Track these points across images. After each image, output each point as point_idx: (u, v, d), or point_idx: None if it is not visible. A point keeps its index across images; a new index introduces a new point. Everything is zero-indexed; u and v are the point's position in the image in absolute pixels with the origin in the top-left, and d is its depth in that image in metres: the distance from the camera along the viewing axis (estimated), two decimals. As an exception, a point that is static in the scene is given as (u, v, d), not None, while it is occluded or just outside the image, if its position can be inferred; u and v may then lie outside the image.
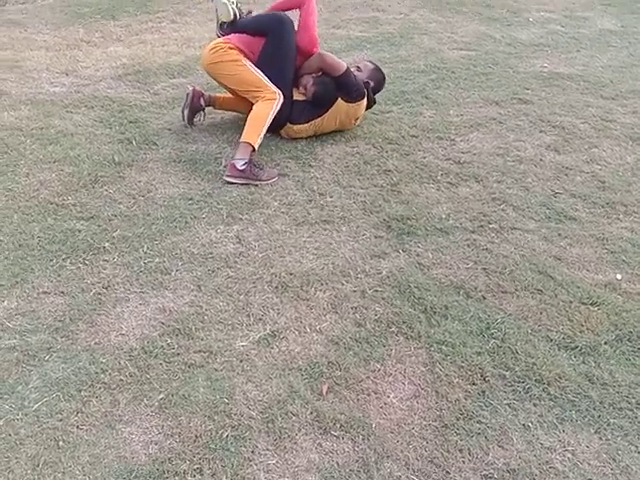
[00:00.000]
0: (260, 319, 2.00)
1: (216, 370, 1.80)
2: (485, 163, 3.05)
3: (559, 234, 2.50)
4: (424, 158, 3.09)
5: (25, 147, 3.07)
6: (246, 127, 2.85)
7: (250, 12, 3.23)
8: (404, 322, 1.99)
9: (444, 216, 2.61)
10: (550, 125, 3.45)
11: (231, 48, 2.96)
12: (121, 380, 1.76)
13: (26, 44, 4.61)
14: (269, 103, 2.88)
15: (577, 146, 3.23)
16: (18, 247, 2.33)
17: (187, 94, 3.23)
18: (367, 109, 3.30)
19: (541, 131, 3.38)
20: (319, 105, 3.11)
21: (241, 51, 2.97)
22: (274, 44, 2.96)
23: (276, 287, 2.15)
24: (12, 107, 3.52)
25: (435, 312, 2.03)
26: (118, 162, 2.94)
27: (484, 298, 2.12)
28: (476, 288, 2.16)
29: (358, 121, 3.29)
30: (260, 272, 2.22)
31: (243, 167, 2.75)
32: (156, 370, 1.80)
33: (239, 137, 2.91)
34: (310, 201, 2.71)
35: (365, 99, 3.17)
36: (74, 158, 2.97)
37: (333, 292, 2.13)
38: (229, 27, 3.09)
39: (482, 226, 2.54)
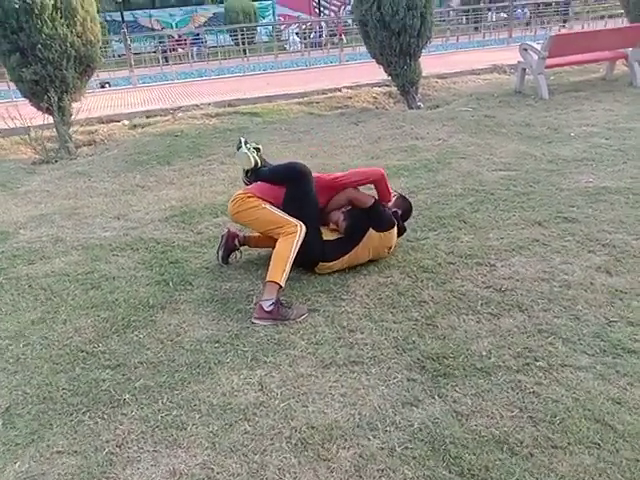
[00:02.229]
0: (275, 485, 1.81)
1: None
2: (529, 290, 2.85)
3: (617, 371, 2.21)
4: (462, 287, 2.93)
5: (68, 293, 3.18)
6: (271, 266, 2.84)
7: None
8: (437, 488, 1.74)
9: (485, 353, 2.39)
10: (599, 244, 3.24)
11: (249, 197, 3.08)
12: None
13: (87, 192, 5.01)
14: (291, 237, 2.90)
15: (631, 266, 2.98)
16: (42, 400, 2.30)
17: (222, 235, 3.32)
18: (398, 237, 3.26)
19: (590, 251, 3.18)
20: (351, 238, 3.10)
21: (260, 198, 3.07)
22: (293, 192, 3.05)
23: (295, 444, 1.97)
24: (64, 253, 3.72)
25: (473, 475, 1.77)
26: (152, 305, 2.98)
27: (531, 455, 1.84)
28: (522, 442, 1.89)
29: (391, 250, 3.23)
30: (280, 426, 2.06)
31: (270, 308, 2.69)
32: None
33: (267, 275, 2.90)
34: (339, 339, 2.58)
35: (395, 227, 3.15)
36: (111, 302, 3.04)
37: (358, 450, 1.93)
38: (253, 174, 3.22)
39: (528, 364, 2.30)
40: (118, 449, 2.02)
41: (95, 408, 2.23)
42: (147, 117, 7.85)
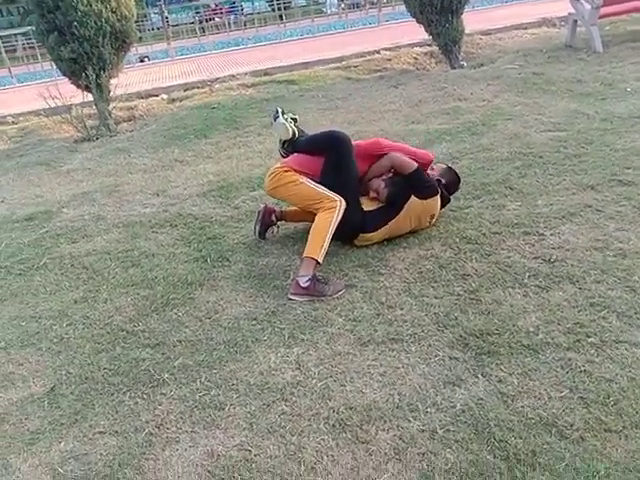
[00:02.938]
0: (312, 468, 1.78)
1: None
2: (581, 260, 2.68)
3: (679, 348, 2.05)
4: (508, 258, 2.79)
5: (109, 271, 3.22)
6: (309, 241, 2.77)
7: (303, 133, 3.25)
8: (481, 474, 1.66)
9: (532, 329, 2.26)
10: (659, 209, 3.01)
11: (287, 171, 2.98)
12: None
13: (127, 169, 5.05)
14: (330, 212, 2.81)
15: (695, 232, 2.75)
16: (84, 380, 2.34)
17: (259, 211, 3.27)
18: (442, 207, 3.11)
19: (648, 216, 2.95)
20: (392, 206, 2.98)
21: (298, 171, 2.98)
22: (332, 161, 2.94)
23: (333, 426, 1.93)
24: (106, 231, 3.77)
25: (519, 460, 1.69)
26: (190, 282, 2.97)
27: (582, 439, 1.73)
28: (572, 425, 1.78)
29: (434, 219, 3.10)
30: (317, 406, 2.02)
31: (307, 284, 2.64)
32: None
33: (305, 250, 2.84)
34: (378, 315, 2.50)
35: (439, 195, 3.01)
36: (151, 280, 3.05)
37: (397, 432, 1.87)
38: (290, 145, 3.13)
39: (579, 340, 2.16)
40: (157, 429, 2.03)
41: (135, 388, 2.26)
42: (185, 90, 7.83)
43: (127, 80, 7.72)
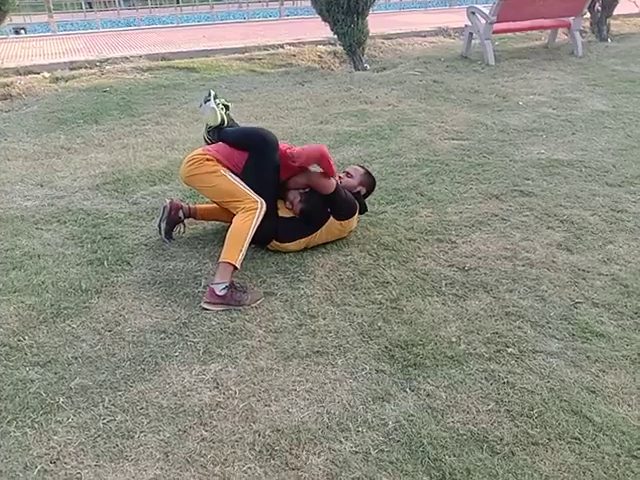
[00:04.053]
0: (240, 501, 1.62)
1: None
2: (492, 269, 2.76)
3: (588, 357, 2.16)
4: (424, 265, 2.80)
5: (-15, 274, 2.78)
6: (225, 244, 2.58)
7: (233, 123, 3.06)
8: (418, 497, 1.61)
9: (454, 339, 2.27)
10: (558, 220, 3.19)
11: (208, 159, 2.75)
12: None
13: (4, 154, 4.44)
14: (250, 214, 2.63)
15: (590, 243, 2.95)
16: (-44, 408, 1.97)
17: (164, 207, 3.00)
18: (360, 214, 3.06)
19: (549, 227, 3.12)
20: (309, 223, 2.86)
21: (220, 162, 2.76)
22: (256, 160, 2.76)
23: (260, 452, 1.78)
24: (-22, 226, 3.27)
25: (455, 479, 1.65)
26: (85, 289, 2.64)
27: (512, 454, 1.74)
28: (502, 440, 1.79)
29: (352, 232, 3.03)
30: (240, 430, 1.86)
31: (223, 292, 2.45)
32: None
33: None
34: (300, 326, 2.38)
35: (357, 212, 2.94)
36: (37, 286, 2.67)
37: (330, 455, 1.76)
38: (216, 133, 2.92)
39: (499, 351, 2.20)
40: (53, 465, 1.75)
41: (23, 415, 1.94)
42: (71, 69, 7.10)
43: (1, 53, 6.86)
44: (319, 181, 2.80)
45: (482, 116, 5.04)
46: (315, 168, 2.88)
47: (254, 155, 2.76)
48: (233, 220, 2.64)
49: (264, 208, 2.68)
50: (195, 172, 2.78)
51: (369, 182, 3.10)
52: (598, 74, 6.35)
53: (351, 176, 3.04)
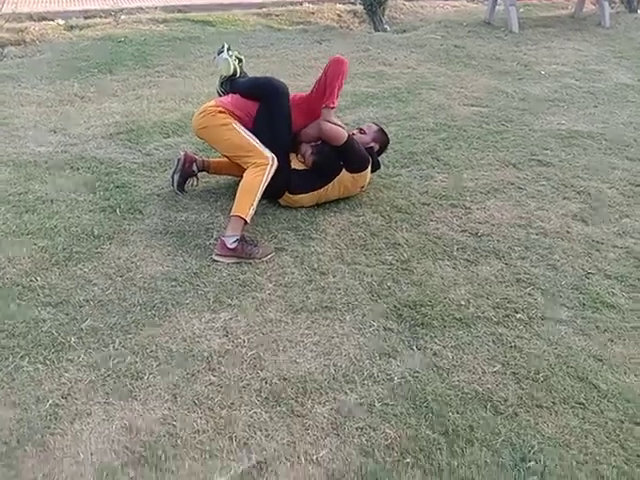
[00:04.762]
0: (245, 444, 1.65)
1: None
2: (506, 236, 2.74)
3: (597, 326, 2.16)
4: (437, 229, 2.78)
5: (-2, 216, 2.79)
6: (237, 198, 2.57)
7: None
8: (421, 450, 1.63)
9: (463, 302, 2.27)
10: (574, 191, 3.15)
11: (221, 112, 2.73)
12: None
13: (17, 100, 4.40)
14: (261, 169, 2.61)
15: (606, 215, 2.92)
16: (-30, 342, 2.01)
17: (178, 159, 2.98)
18: (372, 172, 3.03)
19: (565, 198, 3.09)
20: (321, 175, 2.84)
21: (232, 114, 2.74)
22: (267, 111, 2.74)
23: (266, 398, 1.80)
24: (-8, 169, 3.26)
25: (458, 435, 1.68)
26: (97, 235, 2.65)
27: (516, 415, 1.76)
28: (506, 401, 1.81)
29: (364, 188, 3.01)
30: (248, 377, 1.89)
31: (234, 245, 2.45)
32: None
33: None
34: (310, 282, 2.39)
35: (370, 166, 2.91)
36: (50, 230, 2.68)
37: (334, 405, 1.79)
38: (229, 84, 2.91)
39: (508, 316, 2.20)
40: (64, 400, 1.79)
41: (35, 352, 1.97)
42: (85, 18, 6.97)
43: (15, -3, 6.73)
44: (331, 133, 2.77)
45: (503, 84, 4.93)
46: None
47: (266, 104, 2.75)
48: (244, 175, 2.62)
49: (275, 164, 2.66)
50: (206, 124, 2.76)
51: (382, 139, 3.07)
52: (625, 46, 6.17)
53: (364, 132, 3.01)
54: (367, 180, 2.96)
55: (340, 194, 2.91)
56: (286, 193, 2.84)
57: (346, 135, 2.78)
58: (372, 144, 3.00)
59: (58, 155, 3.47)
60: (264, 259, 2.49)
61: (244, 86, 2.86)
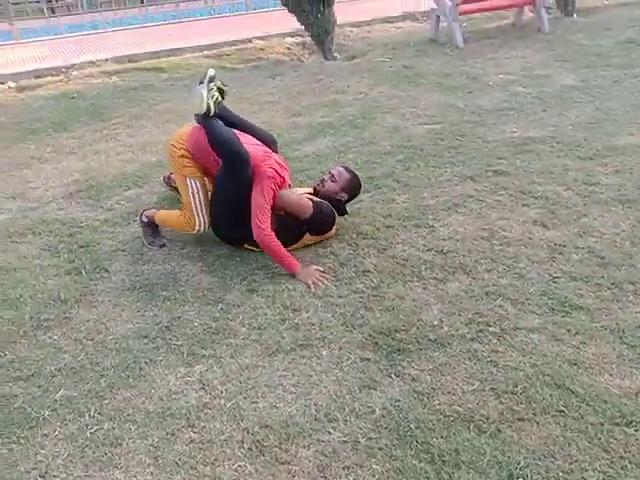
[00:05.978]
0: (232, 500, 1.62)
1: None
2: (470, 250, 2.78)
3: (568, 330, 2.19)
4: (404, 251, 2.81)
5: (-40, 292, 2.73)
6: (163, 212, 3.07)
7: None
8: (409, 481, 1.62)
9: (436, 322, 2.29)
10: (532, 197, 3.22)
11: (180, 156, 2.85)
12: None
13: (-27, 168, 4.36)
14: (185, 225, 2.92)
15: (565, 217, 2.99)
16: (-61, 429, 1.94)
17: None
18: (339, 215, 2.99)
19: (524, 205, 3.15)
20: (284, 241, 2.73)
21: (194, 159, 2.84)
22: (225, 173, 2.77)
23: (249, 449, 1.78)
24: (-49, 243, 3.20)
25: (445, 461, 1.68)
26: (64, 299, 2.62)
27: (499, 431, 1.77)
28: (488, 418, 1.82)
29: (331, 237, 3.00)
30: (229, 429, 1.86)
31: (145, 220, 3.06)
32: None
33: (200, 251, 2.83)
34: (283, 320, 2.38)
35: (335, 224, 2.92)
36: (15, 300, 2.64)
37: (319, 447, 1.77)
38: (202, 119, 2.84)
39: (481, 330, 2.23)
40: (42, 479, 1.74)
41: (8, 431, 1.92)
42: (36, 77, 6.98)
43: (-37, 64, 6.71)
44: (296, 207, 2.78)
45: (453, 99, 5.06)
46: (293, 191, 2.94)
47: (225, 166, 2.76)
48: (175, 211, 3.03)
49: (201, 231, 2.91)
50: (169, 160, 3.02)
51: (353, 187, 3.00)
52: (565, 50, 6.40)
53: (335, 180, 2.94)
54: (332, 234, 2.94)
55: (304, 246, 2.90)
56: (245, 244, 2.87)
57: (311, 210, 2.75)
58: (341, 194, 2.93)
59: (18, 221, 3.43)
60: (149, 246, 3.00)
61: (212, 134, 2.76)
